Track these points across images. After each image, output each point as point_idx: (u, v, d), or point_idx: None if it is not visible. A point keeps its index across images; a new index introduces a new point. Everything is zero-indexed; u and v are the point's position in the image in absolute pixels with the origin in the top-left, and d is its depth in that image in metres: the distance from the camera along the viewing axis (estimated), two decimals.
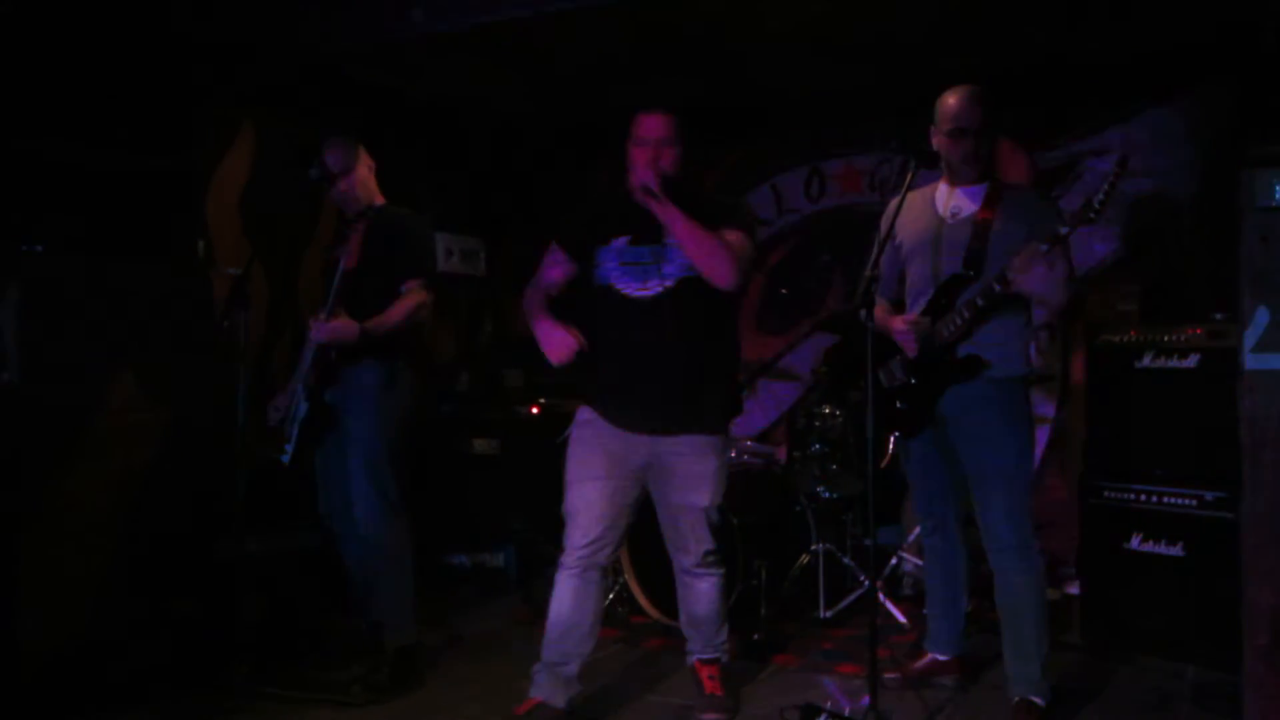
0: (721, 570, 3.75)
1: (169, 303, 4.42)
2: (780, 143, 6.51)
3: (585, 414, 3.63)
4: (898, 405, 3.71)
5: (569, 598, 3.54)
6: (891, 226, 3.58)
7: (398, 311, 3.97)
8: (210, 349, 4.31)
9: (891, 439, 3.95)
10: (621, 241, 3.56)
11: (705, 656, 3.81)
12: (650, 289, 3.51)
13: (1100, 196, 3.19)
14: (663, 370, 3.51)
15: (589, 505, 3.54)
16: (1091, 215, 3.21)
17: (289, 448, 4.02)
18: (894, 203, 3.58)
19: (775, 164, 6.54)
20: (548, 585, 3.62)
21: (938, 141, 3.62)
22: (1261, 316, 2.05)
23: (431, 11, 4.33)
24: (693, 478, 3.58)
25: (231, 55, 4.96)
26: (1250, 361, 2.06)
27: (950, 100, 3.58)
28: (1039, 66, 5.41)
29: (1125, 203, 5.42)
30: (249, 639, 3.98)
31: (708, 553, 3.68)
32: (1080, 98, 5.62)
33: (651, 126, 3.51)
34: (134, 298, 4.26)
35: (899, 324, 3.65)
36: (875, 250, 3.46)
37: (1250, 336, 2.06)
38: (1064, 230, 3.28)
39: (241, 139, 5.24)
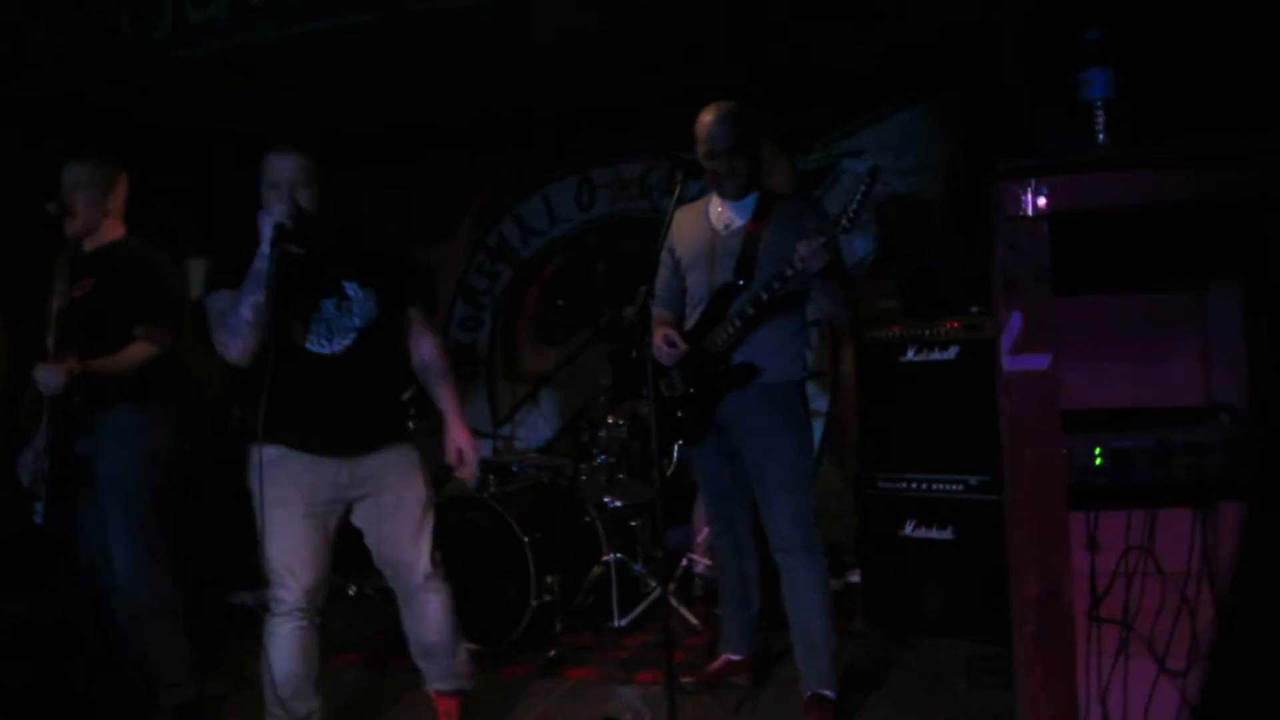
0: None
1: None
2: (550, 152, 6.50)
3: None
4: (679, 415, 3.76)
5: None
6: (667, 239, 3.61)
7: (125, 357, 3.71)
8: None
9: (675, 447, 3.99)
10: None
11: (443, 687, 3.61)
12: None
13: (854, 206, 3.28)
14: None
15: None
16: (846, 224, 3.32)
17: (38, 506, 3.72)
18: (669, 216, 3.61)
19: (546, 173, 6.53)
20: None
21: (700, 159, 3.68)
22: (1015, 321, 2.16)
23: (176, 35, 4.08)
24: None
25: None
26: (1008, 363, 2.16)
27: (703, 120, 3.63)
28: (794, 70, 5.59)
29: (880, 202, 5.67)
30: (14, 710, 3.67)
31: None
32: (836, 101, 5.85)
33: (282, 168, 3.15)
34: None
35: (656, 338, 3.70)
36: (657, 266, 3.48)
37: (1006, 340, 2.16)
38: (823, 238, 3.37)
39: None
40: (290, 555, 3.20)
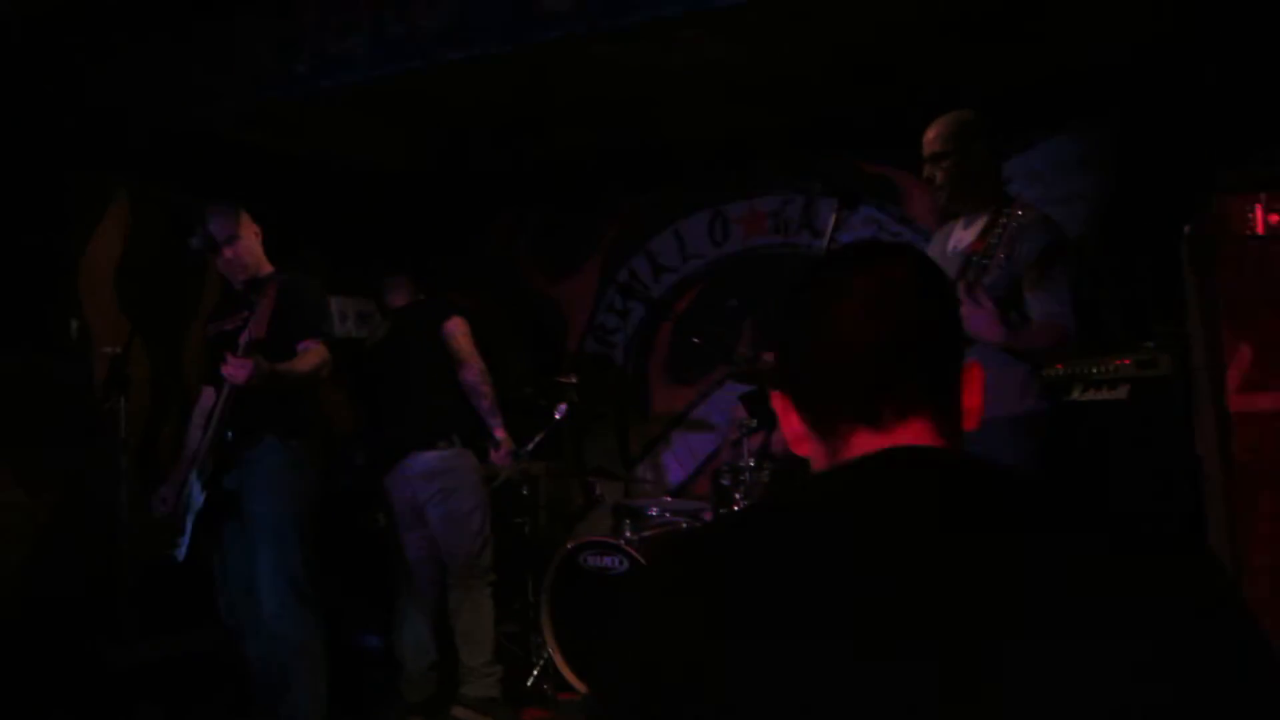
0: None
1: (40, 389, 4.07)
2: (682, 186, 6.34)
3: None
4: None
5: None
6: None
7: (304, 362, 3.74)
8: (88, 436, 3.97)
9: None
10: None
11: None
12: None
13: (994, 240, 3.24)
14: None
15: None
16: (1000, 254, 3.19)
17: (183, 541, 3.68)
18: (828, 242, 3.47)
19: (678, 208, 6.38)
20: None
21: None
22: (1244, 355, 1.92)
23: (317, 67, 4.07)
24: None
25: (102, 121, 4.65)
26: (1235, 402, 1.92)
27: (928, 128, 3.52)
28: (941, 100, 5.36)
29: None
30: None
31: None
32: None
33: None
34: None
35: None
36: None
37: (1234, 375, 1.92)
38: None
39: (115, 210, 4.90)
40: None
